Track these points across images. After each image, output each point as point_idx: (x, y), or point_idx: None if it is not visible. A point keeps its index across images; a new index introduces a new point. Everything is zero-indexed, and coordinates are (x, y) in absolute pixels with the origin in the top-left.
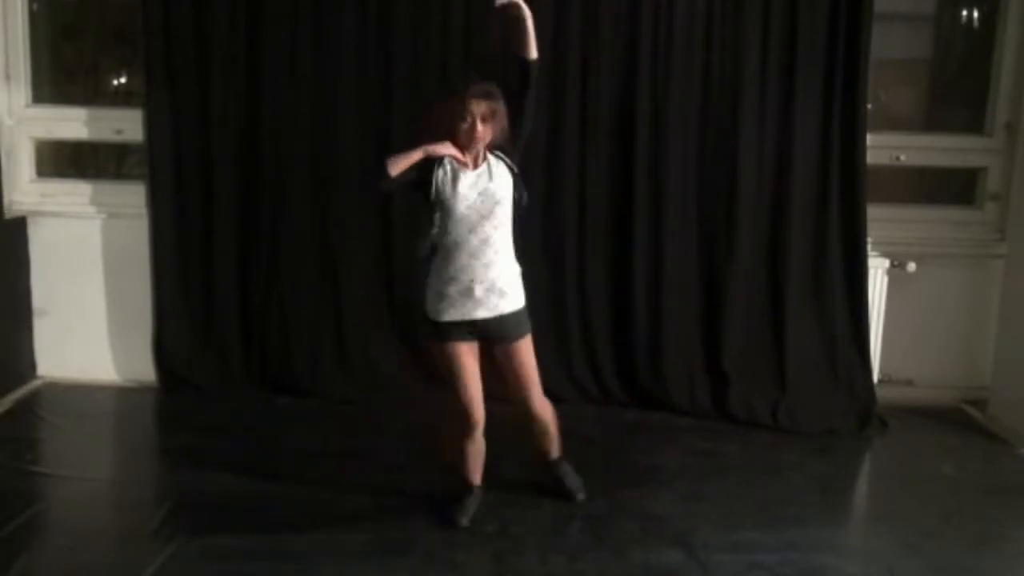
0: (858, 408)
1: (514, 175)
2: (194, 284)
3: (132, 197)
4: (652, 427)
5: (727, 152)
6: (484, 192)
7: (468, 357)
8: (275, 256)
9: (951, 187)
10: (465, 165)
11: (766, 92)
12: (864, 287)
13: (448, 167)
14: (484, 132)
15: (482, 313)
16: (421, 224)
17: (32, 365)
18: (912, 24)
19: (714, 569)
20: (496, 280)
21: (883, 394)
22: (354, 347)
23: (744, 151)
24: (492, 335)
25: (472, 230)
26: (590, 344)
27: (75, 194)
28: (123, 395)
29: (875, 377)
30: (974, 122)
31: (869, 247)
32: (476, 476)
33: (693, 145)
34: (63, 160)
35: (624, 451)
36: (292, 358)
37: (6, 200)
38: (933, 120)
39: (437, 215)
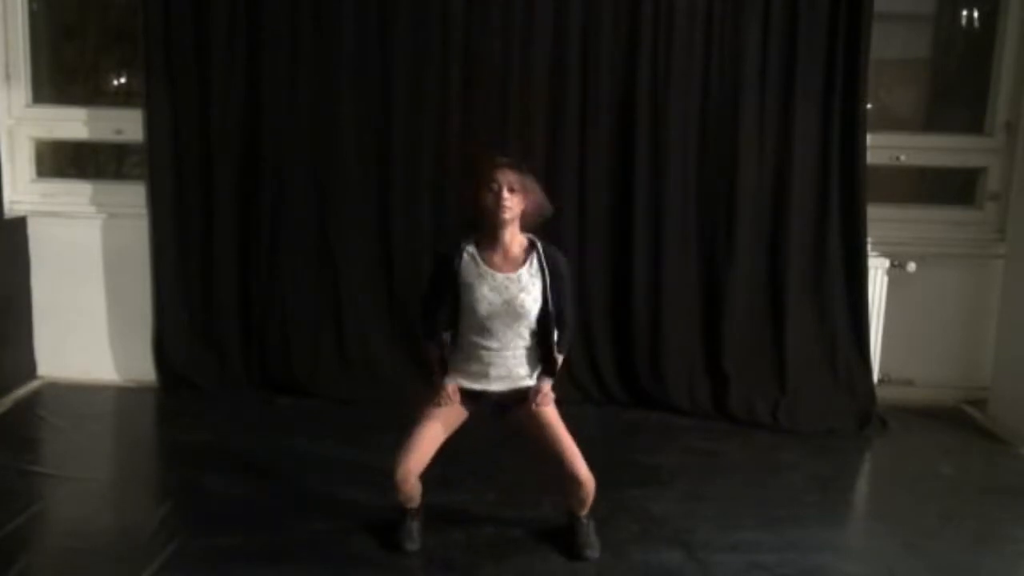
0: (858, 408)
1: (548, 283)
2: (194, 284)
3: (132, 197)
4: (652, 427)
5: (727, 152)
6: (510, 302)
7: (441, 423)
8: (275, 256)
9: (951, 187)
10: (492, 264)
11: (766, 92)
12: (864, 287)
13: (475, 259)
14: (513, 203)
15: (497, 387)
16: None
17: (32, 365)
18: (912, 24)
19: (714, 569)
20: (515, 368)
21: (883, 394)
22: (354, 347)
23: (744, 151)
24: (508, 401)
25: (493, 334)
26: (590, 344)
27: (75, 194)
28: (123, 395)
29: (875, 377)
30: (974, 122)
31: (869, 247)
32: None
33: (693, 145)
34: (63, 160)
35: (624, 451)
36: (292, 358)
37: (6, 200)
38: (933, 120)
39: (460, 303)
